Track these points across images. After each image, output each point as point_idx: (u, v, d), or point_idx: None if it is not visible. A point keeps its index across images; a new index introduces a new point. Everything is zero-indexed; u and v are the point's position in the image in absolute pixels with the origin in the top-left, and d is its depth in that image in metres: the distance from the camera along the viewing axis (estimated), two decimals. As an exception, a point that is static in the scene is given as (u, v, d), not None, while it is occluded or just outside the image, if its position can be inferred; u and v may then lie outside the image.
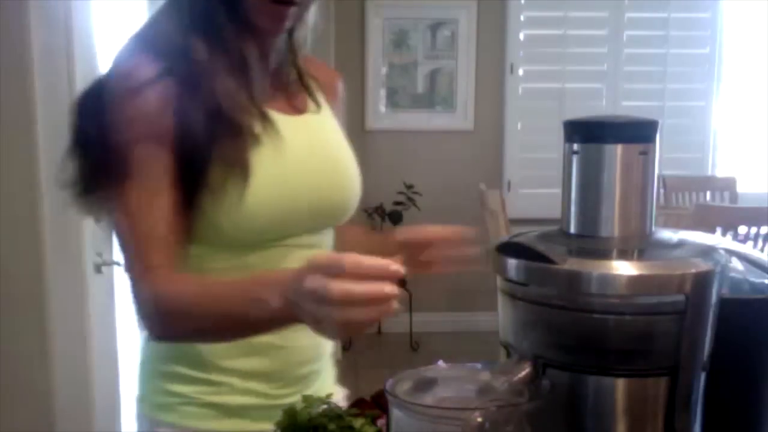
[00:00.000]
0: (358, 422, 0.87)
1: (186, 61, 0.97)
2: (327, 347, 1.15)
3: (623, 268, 0.62)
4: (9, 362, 1.60)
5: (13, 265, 1.59)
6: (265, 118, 1.00)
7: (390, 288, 0.72)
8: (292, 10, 0.99)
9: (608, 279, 0.61)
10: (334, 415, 0.89)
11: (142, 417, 1.10)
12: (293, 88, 1.10)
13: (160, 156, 0.94)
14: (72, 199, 1.00)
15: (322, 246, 1.10)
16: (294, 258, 1.01)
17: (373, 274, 0.71)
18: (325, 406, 0.93)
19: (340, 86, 1.21)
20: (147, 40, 1.00)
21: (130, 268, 0.94)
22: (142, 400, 1.10)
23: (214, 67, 0.98)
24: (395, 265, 0.72)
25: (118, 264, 1.97)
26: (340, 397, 1.15)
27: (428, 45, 4.46)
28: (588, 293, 0.61)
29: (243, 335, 0.94)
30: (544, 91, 4.45)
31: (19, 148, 1.56)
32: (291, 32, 1.07)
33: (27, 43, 1.55)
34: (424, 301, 4.36)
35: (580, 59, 4.42)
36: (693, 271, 0.61)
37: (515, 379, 0.64)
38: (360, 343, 4.35)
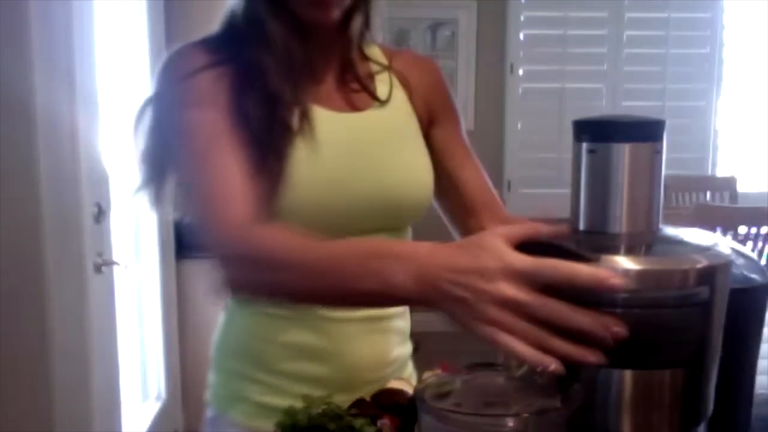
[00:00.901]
0: (358, 422, 0.87)
1: (234, 55, 0.97)
2: (398, 351, 1.11)
3: (655, 263, 0.64)
4: (9, 362, 1.59)
5: (13, 265, 1.59)
6: (304, 116, 0.98)
7: (613, 328, 0.59)
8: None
9: (643, 274, 0.62)
10: (334, 415, 0.89)
11: (209, 405, 1.13)
12: (361, 83, 1.07)
13: (218, 119, 0.92)
14: (151, 202, 1.01)
15: None
16: None
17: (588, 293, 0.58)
18: (325, 406, 0.93)
19: (434, 73, 1.15)
20: (193, 41, 1.01)
21: (209, 224, 0.86)
22: (210, 388, 1.14)
23: (260, 64, 0.97)
24: (617, 278, 0.58)
25: (117, 264, 1.97)
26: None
27: (428, 45, 4.46)
28: (626, 289, 0.62)
29: (346, 304, 0.88)
30: (544, 91, 4.45)
31: (19, 148, 1.56)
32: (348, 23, 1.03)
33: (27, 44, 1.55)
34: (425, 301, 4.35)
35: (580, 59, 4.42)
36: (719, 262, 0.64)
37: (544, 380, 0.64)
38: (360, 343, 4.35)
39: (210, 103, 0.94)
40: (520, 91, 4.48)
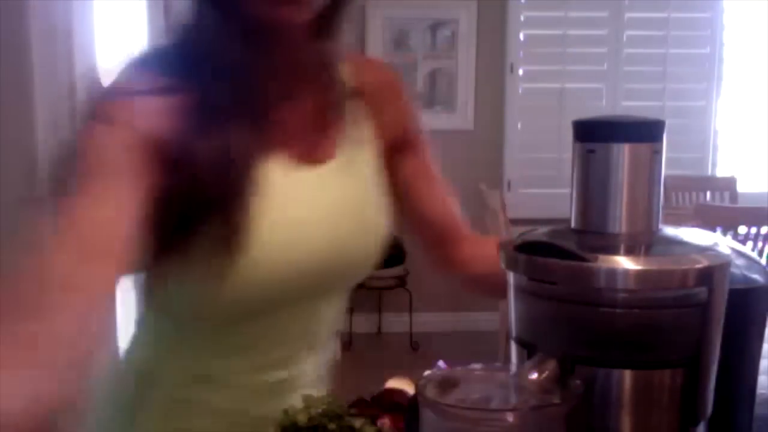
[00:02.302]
0: (358, 422, 0.87)
1: (185, 87, 0.80)
2: None
3: (655, 264, 0.64)
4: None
5: (13, 266, 1.59)
6: (257, 173, 0.82)
7: None
8: None
9: (643, 275, 0.63)
10: (334, 415, 0.89)
11: None
12: (328, 118, 0.91)
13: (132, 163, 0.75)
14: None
15: (321, 314, 0.96)
16: (282, 329, 0.92)
17: None
18: (325, 406, 0.93)
19: (399, 91, 1.02)
20: (143, 59, 0.85)
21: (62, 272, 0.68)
22: None
23: (221, 102, 0.81)
24: None
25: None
26: None
27: (428, 45, 4.46)
28: (625, 289, 0.63)
29: None
30: (544, 91, 4.45)
31: (19, 148, 1.56)
32: (324, 36, 0.88)
33: (27, 43, 1.55)
34: (424, 301, 4.36)
35: (580, 59, 4.42)
36: (717, 263, 0.64)
37: (543, 377, 0.65)
38: (360, 343, 4.35)
39: (132, 140, 0.75)
40: (520, 91, 4.48)
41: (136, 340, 1.01)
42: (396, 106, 1.01)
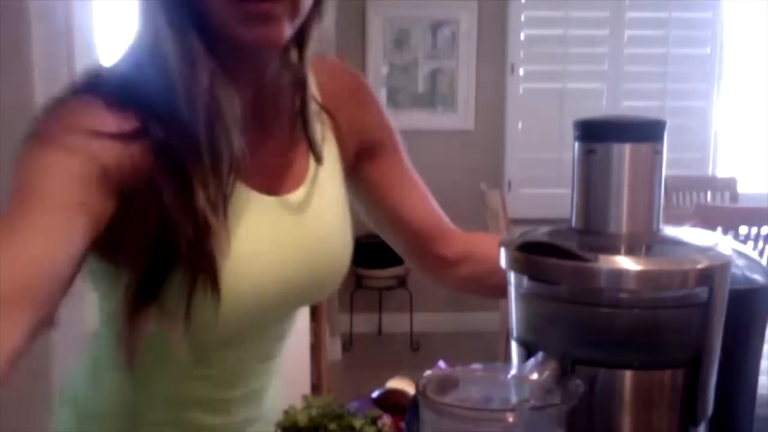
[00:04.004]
0: (358, 422, 0.87)
1: (147, 116, 0.73)
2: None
3: (655, 264, 0.64)
4: (9, 362, 1.59)
5: None
6: (227, 204, 0.77)
7: None
8: (276, 11, 0.72)
9: (643, 275, 0.63)
10: (334, 415, 0.89)
11: None
12: (296, 142, 0.87)
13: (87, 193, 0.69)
14: None
15: (284, 336, 0.95)
16: (246, 351, 0.90)
17: None
18: (325, 406, 0.93)
19: (365, 97, 0.97)
20: (99, 79, 0.77)
21: None
22: None
23: (181, 128, 0.73)
24: None
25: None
26: None
27: (429, 45, 4.46)
28: (625, 289, 0.63)
29: None
30: (545, 91, 4.45)
31: (20, 149, 1.56)
32: (302, 46, 0.82)
33: (27, 43, 1.55)
34: (424, 301, 4.36)
35: (580, 59, 4.42)
36: (718, 263, 0.64)
37: (543, 377, 0.65)
38: (360, 343, 4.36)
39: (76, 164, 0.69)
40: (520, 91, 4.48)
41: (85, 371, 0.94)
42: (360, 111, 0.96)
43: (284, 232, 0.86)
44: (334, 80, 0.93)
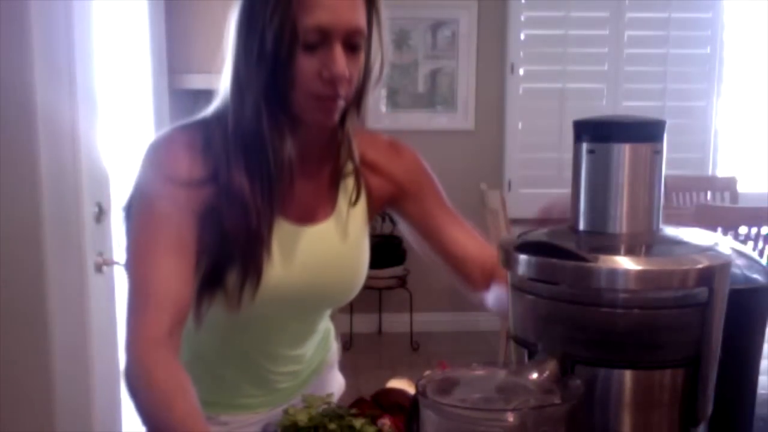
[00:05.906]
0: (358, 422, 0.88)
1: (221, 163, 1.00)
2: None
3: (655, 264, 0.64)
4: (9, 362, 1.60)
5: (13, 265, 1.59)
6: (270, 230, 1.02)
7: None
8: (340, 104, 0.99)
9: (643, 275, 0.63)
10: (334, 415, 0.89)
11: None
12: (332, 185, 1.10)
13: (181, 223, 0.97)
14: None
15: (305, 333, 1.19)
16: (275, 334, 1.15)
17: None
18: (325, 406, 0.93)
19: (409, 156, 1.20)
20: (182, 126, 1.04)
21: (128, 327, 0.94)
22: None
23: (250, 176, 1.00)
24: None
25: (118, 263, 1.97)
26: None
27: (429, 45, 4.46)
28: (625, 289, 0.63)
29: None
30: (545, 91, 4.45)
31: (20, 148, 1.56)
32: (342, 123, 1.05)
33: (27, 43, 1.55)
34: (424, 301, 4.36)
35: (580, 59, 4.42)
36: (718, 263, 0.64)
37: (543, 377, 0.65)
38: (360, 343, 4.35)
39: (179, 208, 0.98)
40: (520, 91, 4.48)
41: None
42: (401, 163, 1.18)
43: (309, 253, 1.08)
44: (382, 147, 1.18)
